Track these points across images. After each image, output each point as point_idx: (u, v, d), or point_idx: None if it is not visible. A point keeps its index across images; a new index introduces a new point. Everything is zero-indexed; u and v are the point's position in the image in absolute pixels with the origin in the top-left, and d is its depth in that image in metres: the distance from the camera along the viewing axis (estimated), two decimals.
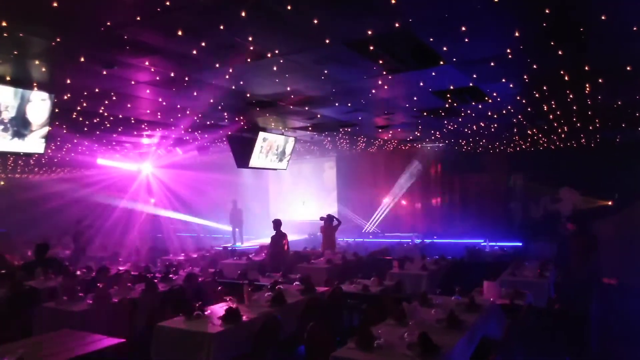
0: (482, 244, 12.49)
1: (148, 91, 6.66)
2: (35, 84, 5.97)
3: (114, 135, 10.09)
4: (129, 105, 7.47)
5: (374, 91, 6.94)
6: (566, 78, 6.26)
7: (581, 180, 12.51)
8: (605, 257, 10.32)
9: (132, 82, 6.18)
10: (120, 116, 8.17)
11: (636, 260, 9.89)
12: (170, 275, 7.29)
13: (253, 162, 9.96)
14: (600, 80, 6.42)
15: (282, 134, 10.50)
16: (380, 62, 5.53)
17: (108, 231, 13.64)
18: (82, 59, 5.11)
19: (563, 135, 11.24)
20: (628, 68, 5.86)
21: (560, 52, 5.22)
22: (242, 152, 9.90)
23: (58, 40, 4.54)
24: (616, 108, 8.10)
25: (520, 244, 12.78)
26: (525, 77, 6.31)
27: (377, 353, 3.59)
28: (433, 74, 6.10)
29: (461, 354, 3.87)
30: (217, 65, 5.56)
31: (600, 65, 5.86)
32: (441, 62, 5.58)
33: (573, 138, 11.77)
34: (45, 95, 6.16)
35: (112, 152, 12.66)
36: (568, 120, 9.29)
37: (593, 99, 7.44)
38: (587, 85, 6.71)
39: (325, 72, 5.95)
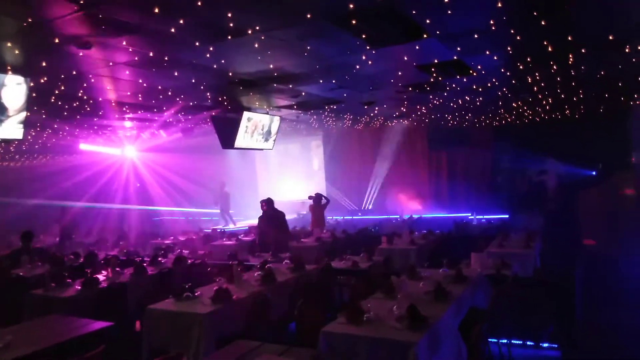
0: (470, 217, 12.63)
1: (127, 72, 6.51)
2: (9, 68, 5.80)
3: (95, 119, 9.90)
4: (108, 88, 7.31)
5: (358, 67, 6.87)
6: (550, 49, 6.25)
7: (566, 151, 12.64)
8: (589, 225, 10.54)
9: (110, 63, 6.03)
10: (100, 99, 8.00)
11: (619, 228, 10.09)
12: (159, 259, 7.26)
13: (238, 142, 9.86)
14: (583, 51, 6.42)
15: (267, 114, 10.39)
16: (364, 36, 5.45)
17: (94, 217, 13.50)
18: (57, 40, 4.95)
19: (547, 107, 11.31)
20: (610, 37, 5.86)
21: (543, 23, 5.20)
22: (226, 132, 9.79)
23: (29, 20, 4.39)
24: (599, 78, 8.14)
25: (507, 216, 12.96)
26: (509, 49, 6.29)
27: (367, 326, 3.63)
28: (417, 47, 6.04)
29: (449, 324, 3.94)
30: (197, 44, 5.44)
31: (583, 36, 5.85)
32: (425, 36, 5.52)
33: (557, 110, 11.84)
34: (20, 79, 6.00)
35: (94, 137, 12.45)
36: (552, 91, 9.32)
37: (576, 69, 7.46)
38: (570, 56, 6.72)
39: (308, 48, 5.86)
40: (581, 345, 4.84)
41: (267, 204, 9.05)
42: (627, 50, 6.42)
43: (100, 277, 5.90)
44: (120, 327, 4.09)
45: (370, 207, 16.16)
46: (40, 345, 3.41)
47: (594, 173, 12.86)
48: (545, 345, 4.96)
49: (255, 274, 5.61)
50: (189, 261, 7.18)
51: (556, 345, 4.90)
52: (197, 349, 4.08)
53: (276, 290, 5.31)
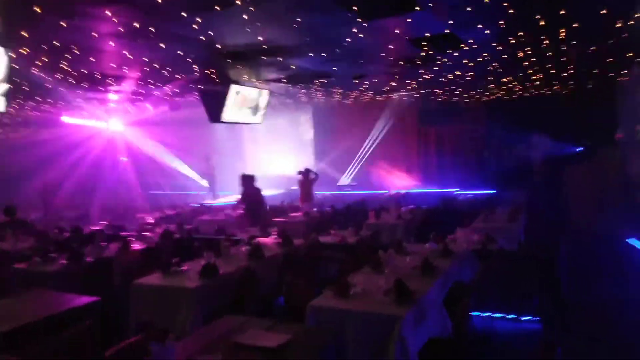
0: (456, 192, 12.73)
1: (112, 44, 6.34)
2: None
3: (79, 92, 9.68)
4: (92, 60, 7.13)
5: (348, 40, 6.75)
6: (542, 23, 6.19)
7: (553, 127, 12.71)
8: (575, 201, 10.69)
9: (94, 35, 5.85)
10: (85, 71, 7.81)
11: (605, 204, 10.25)
12: (145, 234, 7.22)
13: (226, 116, 9.73)
14: (575, 25, 6.37)
15: (256, 87, 10.24)
16: (355, 8, 5.33)
17: (79, 191, 13.34)
18: (38, 10, 4.77)
19: (537, 83, 11.29)
20: (603, 12, 5.81)
21: None
22: (214, 106, 9.64)
23: None
24: (590, 54, 8.12)
25: (493, 191, 13.08)
26: (501, 22, 6.21)
27: (354, 300, 3.66)
28: (409, 20, 5.94)
29: (435, 298, 3.99)
30: (184, 15, 5.28)
31: (576, 10, 5.78)
32: (417, 8, 5.42)
33: (547, 85, 11.84)
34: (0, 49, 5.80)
35: (78, 110, 12.19)
36: (543, 67, 9.29)
37: (567, 44, 7.41)
38: (562, 31, 6.66)
39: (298, 20, 5.74)
40: (564, 319, 4.95)
41: (242, 180, 9.02)
42: (618, 25, 6.38)
43: (86, 251, 5.86)
44: (107, 302, 4.06)
45: (358, 182, 16.19)
46: (25, 320, 3.38)
47: (580, 149, 12.97)
48: (527, 318, 5.07)
49: (243, 249, 5.61)
50: (176, 236, 7.15)
51: (538, 319, 5.01)
52: (184, 323, 4.08)
53: (264, 265, 5.32)
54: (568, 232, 8.15)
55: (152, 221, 9.20)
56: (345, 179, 16.38)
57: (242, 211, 9.66)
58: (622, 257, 7.73)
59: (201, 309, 4.20)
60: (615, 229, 9.09)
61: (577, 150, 12.89)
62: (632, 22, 6.21)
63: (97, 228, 8.25)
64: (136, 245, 6.39)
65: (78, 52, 6.60)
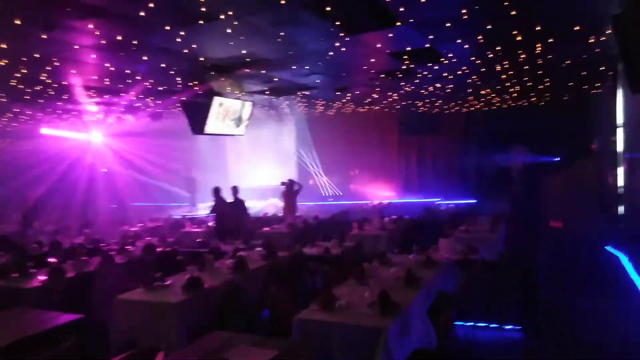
0: (438, 202, 12.89)
1: (94, 56, 6.31)
2: None
3: (59, 104, 9.56)
4: (73, 71, 7.07)
5: (331, 53, 6.84)
6: (518, 38, 6.38)
7: (531, 138, 13.02)
8: (554, 209, 10.93)
9: (76, 47, 5.82)
10: (65, 83, 7.73)
11: (582, 212, 10.51)
12: (127, 247, 7.12)
13: (209, 128, 9.68)
14: (550, 40, 6.58)
15: (239, 99, 10.25)
16: (338, 23, 5.43)
17: (58, 204, 13.08)
18: (18, 22, 4.74)
19: (515, 95, 11.57)
20: (576, 28, 6.02)
21: (513, 13, 5.29)
22: (197, 118, 9.59)
23: None
24: (565, 67, 8.37)
25: (474, 201, 13.27)
26: (479, 37, 6.38)
27: (340, 313, 3.68)
28: (390, 35, 6.06)
29: (419, 309, 4.03)
30: (168, 28, 5.30)
31: (551, 26, 5.99)
32: (398, 23, 5.54)
33: (524, 98, 12.13)
34: None
35: (57, 121, 12.01)
36: (520, 80, 9.54)
37: (543, 58, 7.64)
38: (538, 45, 6.87)
39: (282, 34, 5.80)
40: (545, 327, 5.04)
41: (213, 193, 9.11)
42: (591, 40, 6.62)
43: (66, 266, 5.74)
44: (88, 318, 3.99)
45: (341, 192, 16.27)
46: (5, 339, 3.30)
47: (557, 159, 13.29)
48: (509, 327, 5.15)
49: (227, 262, 5.58)
50: (159, 249, 7.07)
51: (519, 327, 5.09)
52: (169, 339, 4.03)
53: (248, 278, 5.30)
54: (547, 240, 8.32)
55: (134, 234, 9.07)
56: (329, 190, 16.44)
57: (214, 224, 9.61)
58: (601, 264, 7.91)
59: (186, 324, 4.15)
60: (593, 236, 9.31)
61: (555, 160, 13.21)
62: (604, 38, 6.45)
63: (77, 242, 8.11)
64: (118, 259, 6.31)
65: (58, 64, 6.54)
